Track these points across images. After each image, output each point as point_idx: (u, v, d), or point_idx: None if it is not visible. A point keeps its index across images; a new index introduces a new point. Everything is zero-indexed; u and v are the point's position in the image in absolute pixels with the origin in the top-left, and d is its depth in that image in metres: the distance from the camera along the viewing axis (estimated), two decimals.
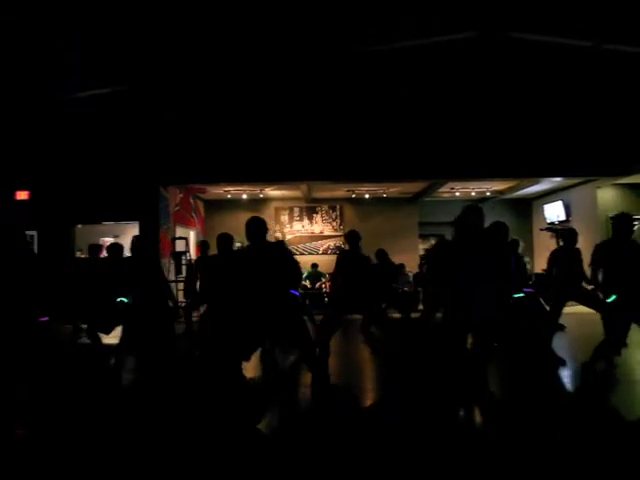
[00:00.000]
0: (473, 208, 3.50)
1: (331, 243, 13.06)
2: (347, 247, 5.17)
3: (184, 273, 9.87)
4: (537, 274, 10.12)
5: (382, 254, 7.30)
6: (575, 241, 5.43)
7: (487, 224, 4.59)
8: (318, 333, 4.96)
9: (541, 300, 5.60)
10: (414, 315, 7.94)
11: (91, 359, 5.61)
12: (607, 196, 10.98)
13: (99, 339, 5.62)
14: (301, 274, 4.39)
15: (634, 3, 8.16)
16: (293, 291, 4.05)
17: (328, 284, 11.06)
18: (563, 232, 5.83)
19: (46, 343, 4.35)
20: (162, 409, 3.77)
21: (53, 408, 3.86)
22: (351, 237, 5.00)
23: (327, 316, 4.95)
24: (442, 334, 3.74)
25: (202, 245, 6.50)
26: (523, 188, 12.03)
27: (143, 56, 8.94)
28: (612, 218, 4.22)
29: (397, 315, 7.93)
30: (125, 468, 2.67)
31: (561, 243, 5.77)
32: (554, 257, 5.39)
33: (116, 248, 5.82)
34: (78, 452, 2.92)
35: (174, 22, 8.24)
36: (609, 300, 4.06)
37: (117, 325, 5.26)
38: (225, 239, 5.19)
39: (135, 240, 4.95)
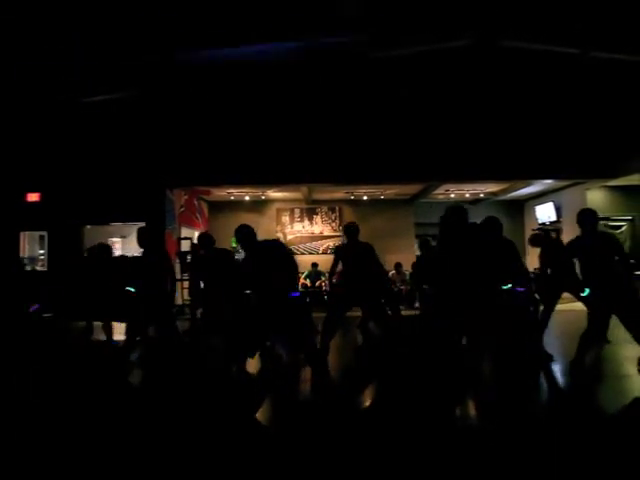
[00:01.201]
0: (454, 208, 3.73)
1: (330, 243, 13.39)
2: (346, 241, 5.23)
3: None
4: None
5: None
6: (540, 244, 5.79)
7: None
8: (321, 333, 5.02)
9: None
10: (407, 313, 8.16)
11: (99, 354, 5.85)
12: (596, 198, 11.33)
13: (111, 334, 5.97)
14: (296, 268, 4.40)
15: (619, 14, 8.52)
16: (294, 293, 4.16)
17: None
18: (531, 239, 6.05)
19: (38, 330, 4.54)
20: (164, 402, 3.89)
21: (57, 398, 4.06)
22: (348, 230, 5.12)
23: (329, 316, 5.00)
24: (434, 331, 3.91)
25: (192, 247, 6.86)
26: (516, 190, 12.39)
27: (149, 61, 9.24)
28: (578, 214, 4.31)
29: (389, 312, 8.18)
30: (123, 464, 2.71)
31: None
32: (542, 258, 5.70)
33: (105, 248, 6.24)
34: (78, 444, 3.01)
35: (175, 22, 8.40)
36: (583, 295, 4.21)
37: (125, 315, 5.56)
38: (204, 239, 5.46)
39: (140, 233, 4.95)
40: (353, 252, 5.04)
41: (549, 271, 5.56)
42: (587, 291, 4.17)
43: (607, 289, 4.08)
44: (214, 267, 5.27)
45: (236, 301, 5.05)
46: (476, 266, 3.53)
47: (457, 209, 3.81)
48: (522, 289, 5.32)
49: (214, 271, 5.24)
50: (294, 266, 4.34)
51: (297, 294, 4.35)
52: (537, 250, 5.98)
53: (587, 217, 4.27)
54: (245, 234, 4.25)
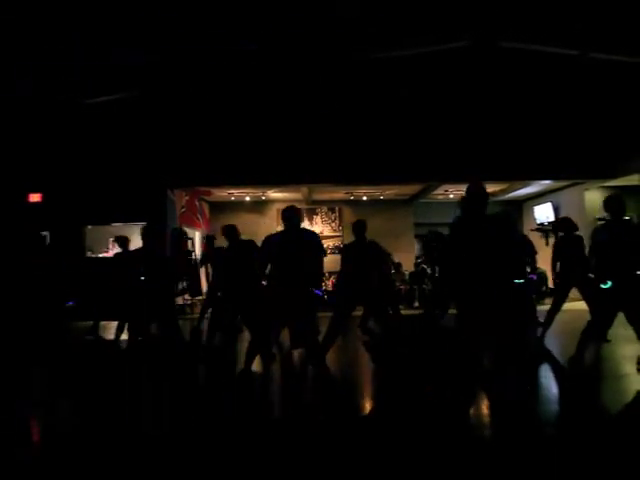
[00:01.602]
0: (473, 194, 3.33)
1: (330, 243, 13.39)
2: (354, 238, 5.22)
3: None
4: None
5: None
6: (570, 229, 5.55)
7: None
8: (326, 331, 5.01)
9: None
10: (407, 313, 8.24)
11: (105, 353, 5.95)
12: (594, 198, 11.32)
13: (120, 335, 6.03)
14: (322, 267, 4.32)
15: (618, 14, 8.57)
16: (317, 291, 4.16)
17: (330, 281, 11.53)
18: (558, 224, 5.87)
19: (67, 324, 4.68)
20: (165, 400, 3.98)
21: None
22: (357, 227, 5.12)
23: (335, 315, 4.97)
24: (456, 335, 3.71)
25: (208, 240, 6.95)
26: (514, 190, 12.45)
27: (151, 62, 9.27)
28: (604, 201, 4.09)
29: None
30: (123, 463, 2.74)
31: (552, 240, 5.99)
32: (556, 250, 5.57)
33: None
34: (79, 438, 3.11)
35: (175, 23, 8.40)
36: (605, 286, 3.94)
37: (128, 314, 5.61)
38: (233, 229, 5.48)
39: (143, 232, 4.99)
40: (358, 251, 5.04)
41: (558, 266, 5.49)
42: (609, 283, 3.92)
43: (626, 282, 3.88)
44: (235, 259, 5.21)
45: (239, 301, 5.09)
46: (492, 261, 3.25)
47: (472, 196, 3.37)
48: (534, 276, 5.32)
49: (233, 263, 5.18)
50: (321, 264, 4.26)
51: (319, 292, 4.32)
52: (538, 248, 5.97)
53: (615, 202, 4.05)
54: (295, 213, 4.24)
